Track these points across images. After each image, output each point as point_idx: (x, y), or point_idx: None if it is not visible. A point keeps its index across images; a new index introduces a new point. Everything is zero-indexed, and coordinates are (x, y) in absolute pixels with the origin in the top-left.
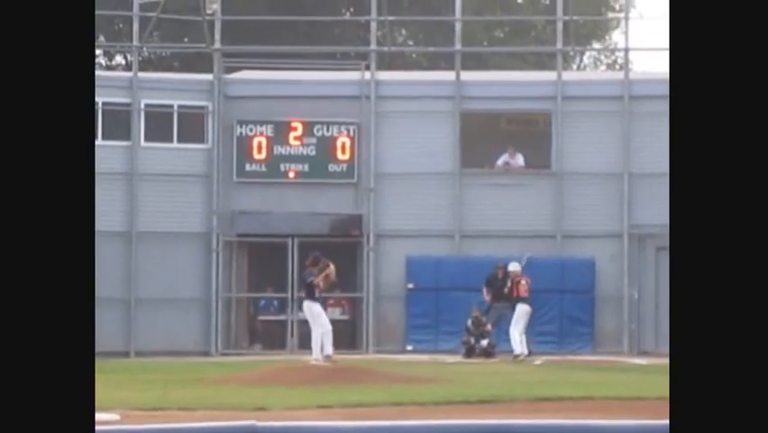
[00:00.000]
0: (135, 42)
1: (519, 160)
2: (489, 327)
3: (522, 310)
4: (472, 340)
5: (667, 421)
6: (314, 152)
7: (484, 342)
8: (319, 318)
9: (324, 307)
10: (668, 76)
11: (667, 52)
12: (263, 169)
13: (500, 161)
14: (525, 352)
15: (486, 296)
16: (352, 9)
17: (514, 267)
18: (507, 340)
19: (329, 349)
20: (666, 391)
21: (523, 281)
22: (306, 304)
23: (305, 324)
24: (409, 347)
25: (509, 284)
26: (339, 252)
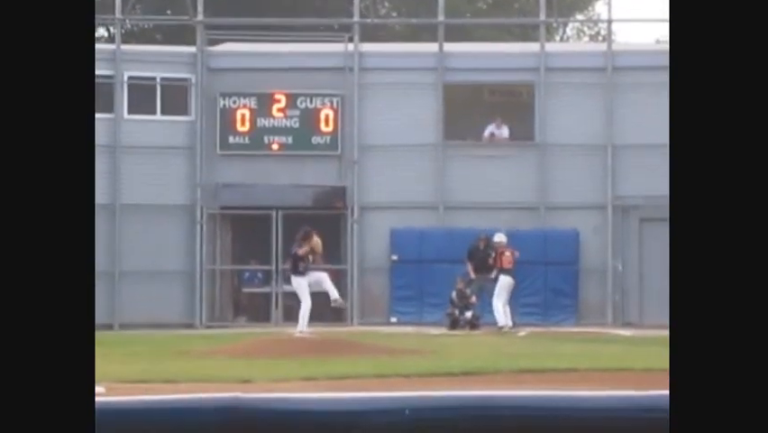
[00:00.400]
0: (118, 15)
1: (504, 131)
2: (473, 298)
3: (504, 282)
4: (456, 312)
5: (653, 392)
6: (297, 125)
7: (468, 314)
8: (303, 293)
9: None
10: (651, 47)
11: (650, 23)
12: (246, 141)
13: (487, 132)
14: (510, 324)
15: (469, 268)
16: None
17: (499, 238)
18: (491, 312)
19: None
20: (651, 363)
21: (507, 252)
22: (293, 279)
23: (289, 296)
24: (393, 319)
25: (493, 255)
26: (323, 224)
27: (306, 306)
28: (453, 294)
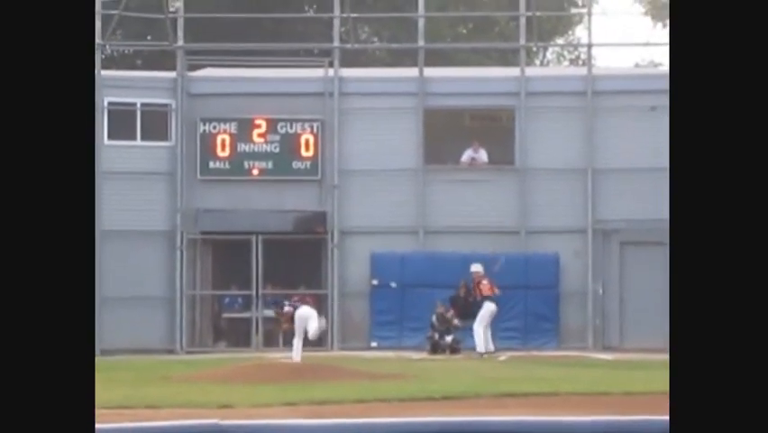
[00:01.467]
0: (98, 40)
1: (483, 155)
2: (455, 321)
3: (486, 308)
4: (437, 336)
5: (633, 417)
6: (277, 149)
7: (449, 338)
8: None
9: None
10: (631, 71)
11: (630, 47)
12: (227, 166)
13: (465, 157)
14: (491, 348)
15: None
16: (315, 6)
17: (475, 268)
18: (472, 336)
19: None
20: (631, 387)
21: (485, 281)
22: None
23: (269, 321)
24: (374, 344)
25: (471, 286)
26: (303, 249)
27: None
28: (434, 318)
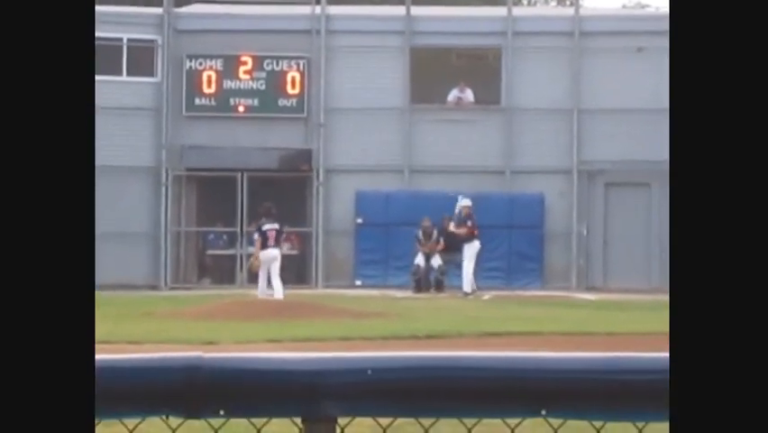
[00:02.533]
0: None
1: (469, 95)
2: (441, 243)
3: (474, 246)
4: (421, 265)
5: (616, 354)
6: (263, 87)
7: (434, 262)
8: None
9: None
10: (618, 11)
11: None
12: (213, 103)
13: (451, 96)
14: (475, 288)
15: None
16: None
17: (465, 202)
18: (457, 276)
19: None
20: (614, 327)
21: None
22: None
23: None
24: (358, 282)
25: (458, 219)
26: (288, 187)
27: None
28: (420, 233)
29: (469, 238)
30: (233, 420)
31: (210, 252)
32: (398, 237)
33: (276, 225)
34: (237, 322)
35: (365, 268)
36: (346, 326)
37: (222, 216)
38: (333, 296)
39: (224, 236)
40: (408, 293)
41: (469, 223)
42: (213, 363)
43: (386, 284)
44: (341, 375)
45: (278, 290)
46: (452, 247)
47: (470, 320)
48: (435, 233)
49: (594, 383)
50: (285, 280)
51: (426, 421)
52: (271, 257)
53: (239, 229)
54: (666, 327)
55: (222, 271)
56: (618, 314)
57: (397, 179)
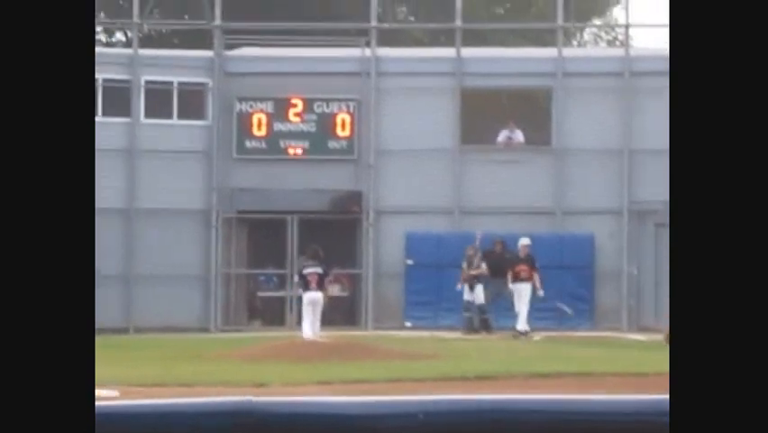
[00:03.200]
0: (136, 19)
1: (519, 135)
2: (483, 266)
3: (529, 288)
4: (471, 300)
5: (666, 396)
6: (314, 129)
7: (477, 294)
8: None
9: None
10: (668, 52)
11: (667, 28)
12: (263, 145)
13: (501, 137)
14: (527, 328)
15: (485, 270)
16: None
17: (525, 242)
18: (508, 317)
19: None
20: (666, 367)
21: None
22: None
23: None
24: (408, 324)
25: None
26: (339, 228)
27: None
28: (464, 264)
29: (527, 278)
30: None
31: (260, 294)
32: (448, 279)
33: (318, 269)
34: (287, 364)
35: (415, 309)
36: (396, 367)
37: (272, 259)
38: (384, 337)
39: (275, 278)
40: (458, 334)
41: (529, 262)
42: (263, 407)
43: (436, 325)
44: (392, 419)
45: (306, 331)
46: (501, 272)
47: (520, 361)
48: (477, 258)
49: (644, 425)
50: (335, 321)
51: None
52: (313, 300)
53: (289, 271)
54: None
55: (272, 313)
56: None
57: (447, 220)
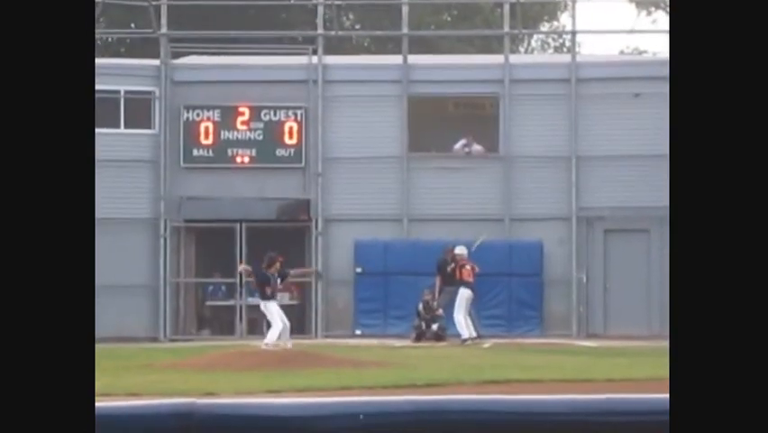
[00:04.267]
0: None
1: (477, 147)
2: (439, 311)
3: (463, 294)
4: (423, 325)
5: (631, 396)
6: (261, 137)
7: (435, 326)
8: (276, 316)
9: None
10: (616, 58)
11: (614, 35)
12: (210, 154)
13: (458, 146)
14: (474, 334)
15: (437, 281)
16: None
17: (460, 250)
18: (454, 325)
19: (288, 343)
20: (614, 373)
21: (468, 266)
22: (261, 304)
23: (253, 309)
24: (358, 332)
25: (453, 266)
26: (287, 237)
27: (276, 330)
28: (420, 306)
29: (457, 285)
30: None
31: (209, 303)
32: (397, 286)
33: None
34: (237, 373)
35: (364, 317)
36: (346, 375)
37: (221, 267)
38: (333, 345)
39: (223, 287)
40: (407, 342)
41: (463, 271)
42: (205, 409)
43: (385, 333)
44: (333, 420)
45: (275, 337)
46: (455, 282)
47: (469, 368)
48: (435, 304)
49: (586, 425)
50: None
51: None
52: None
53: (238, 280)
54: (666, 373)
55: (221, 322)
56: (619, 360)
57: (396, 227)
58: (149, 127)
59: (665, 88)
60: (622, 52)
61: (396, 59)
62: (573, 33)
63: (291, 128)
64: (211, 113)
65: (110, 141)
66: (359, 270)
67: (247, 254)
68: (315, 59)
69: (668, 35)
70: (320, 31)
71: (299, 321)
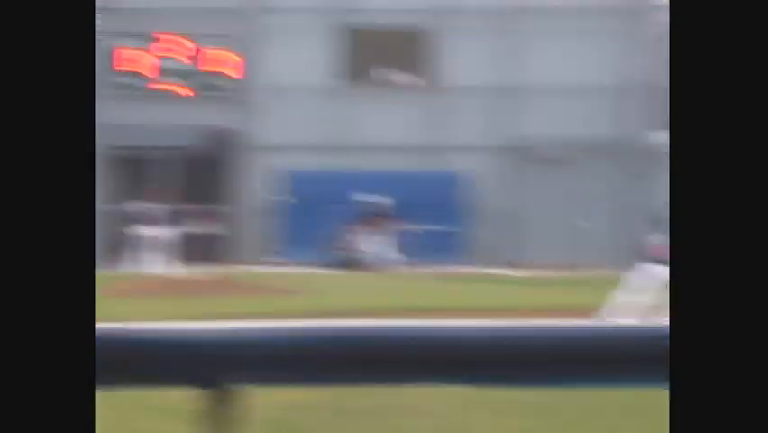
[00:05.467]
0: None
1: (404, 78)
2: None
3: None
4: (344, 253)
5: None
6: (194, 65)
7: (359, 253)
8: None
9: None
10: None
11: None
12: (140, 82)
13: (387, 77)
14: (395, 257)
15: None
16: None
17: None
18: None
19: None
20: (537, 301)
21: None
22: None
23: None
24: (281, 259)
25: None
26: (217, 165)
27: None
28: (344, 235)
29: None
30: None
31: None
32: (324, 216)
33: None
34: (150, 300)
35: (289, 246)
36: (263, 303)
37: (144, 195)
38: (255, 273)
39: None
40: (328, 270)
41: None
42: (117, 335)
43: (309, 261)
44: (247, 346)
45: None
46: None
47: (389, 295)
48: (357, 235)
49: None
50: (210, 257)
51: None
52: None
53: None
54: (589, 301)
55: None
56: (541, 289)
57: (326, 156)
58: None
59: (601, 22)
60: None
61: None
62: None
63: (225, 57)
64: (143, 40)
65: None
66: (285, 199)
67: (184, 184)
68: None
69: None
70: None
71: (220, 249)
